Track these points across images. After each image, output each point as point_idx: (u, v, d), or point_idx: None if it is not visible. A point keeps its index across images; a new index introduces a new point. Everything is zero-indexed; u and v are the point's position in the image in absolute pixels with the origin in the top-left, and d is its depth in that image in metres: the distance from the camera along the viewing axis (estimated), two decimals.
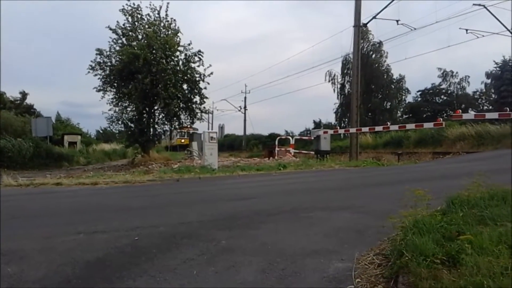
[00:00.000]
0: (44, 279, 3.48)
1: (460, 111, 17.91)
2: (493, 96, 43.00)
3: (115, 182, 11.94)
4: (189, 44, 22.41)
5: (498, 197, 4.82)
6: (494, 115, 17.94)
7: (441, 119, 18.21)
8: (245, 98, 57.95)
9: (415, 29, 23.67)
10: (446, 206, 4.66)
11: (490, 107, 41.59)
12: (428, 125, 20.03)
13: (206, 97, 23.18)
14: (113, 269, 3.67)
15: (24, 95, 46.80)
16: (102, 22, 64.65)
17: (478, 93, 47.98)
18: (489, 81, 43.09)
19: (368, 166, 16.38)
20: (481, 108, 45.78)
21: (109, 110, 22.90)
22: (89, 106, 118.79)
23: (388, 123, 23.06)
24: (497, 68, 39.41)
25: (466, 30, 23.92)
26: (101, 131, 63.62)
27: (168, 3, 22.36)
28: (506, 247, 3.12)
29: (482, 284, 2.49)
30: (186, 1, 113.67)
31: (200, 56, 22.28)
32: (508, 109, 16.81)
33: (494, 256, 2.93)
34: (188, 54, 22.38)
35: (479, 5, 23.19)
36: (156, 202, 8.26)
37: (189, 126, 31.81)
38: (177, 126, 24.72)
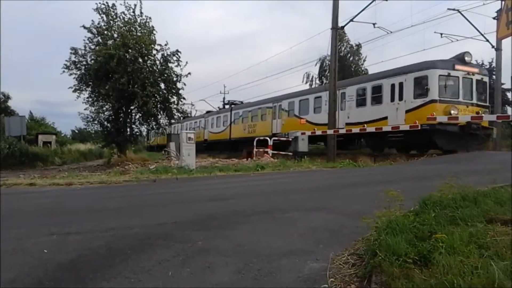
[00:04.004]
0: (16, 281, 3.39)
1: (435, 113, 18.17)
2: None
3: (90, 182, 11.76)
4: (165, 45, 22.34)
5: (469, 198, 4.95)
6: (467, 118, 18.30)
7: (417, 121, 18.45)
8: (223, 98, 57.64)
9: (391, 32, 24.05)
10: (419, 207, 4.75)
11: None
12: (405, 127, 20.30)
13: (184, 98, 23.15)
14: (86, 270, 3.61)
15: (6, 97, 46.06)
16: (76, 20, 63.65)
17: None
18: None
19: (345, 167, 16.54)
20: None
21: (85, 109, 22.65)
22: (64, 105, 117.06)
23: (365, 125, 23.28)
24: None
25: (441, 34, 24.43)
26: (76, 131, 62.69)
27: (141, 4, 22.22)
28: (476, 247, 3.20)
29: (452, 283, 2.53)
30: (163, 0, 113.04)
31: (178, 56, 22.21)
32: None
33: (465, 255, 2.99)
34: (165, 54, 22.28)
35: (454, 9, 23.74)
36: (132, 203, 8.15)
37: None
38: (154, 127, 24.53)
